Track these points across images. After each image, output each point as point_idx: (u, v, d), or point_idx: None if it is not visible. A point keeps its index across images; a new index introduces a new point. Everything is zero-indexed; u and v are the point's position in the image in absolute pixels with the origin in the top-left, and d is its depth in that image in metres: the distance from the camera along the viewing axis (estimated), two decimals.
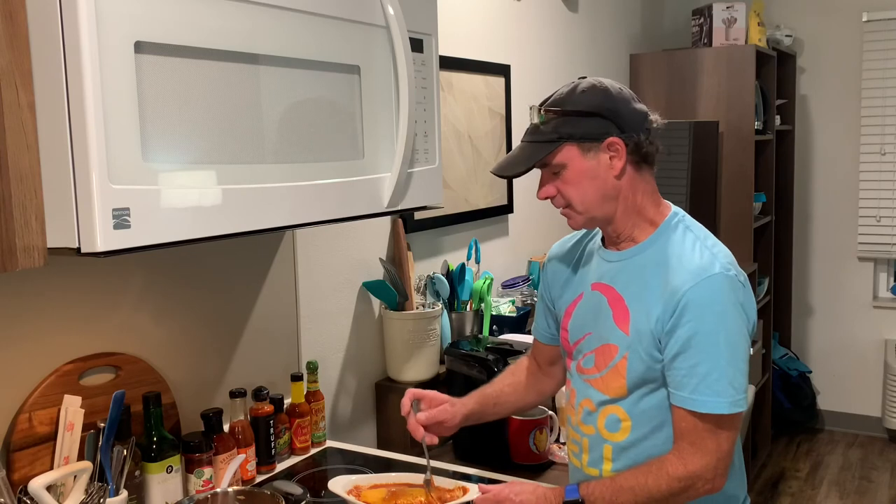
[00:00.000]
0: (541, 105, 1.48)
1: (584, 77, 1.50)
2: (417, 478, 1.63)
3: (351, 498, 1.55)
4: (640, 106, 1.49)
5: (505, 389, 1.76)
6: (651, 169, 1.51)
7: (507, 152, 3.03)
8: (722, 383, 1.37)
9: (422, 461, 1.97)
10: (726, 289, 1.40)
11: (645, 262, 1.48)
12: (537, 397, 1.78)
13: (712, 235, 1.51)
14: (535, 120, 1.47)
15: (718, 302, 1.39)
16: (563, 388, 2.21)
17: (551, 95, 1.49)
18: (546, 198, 1.51)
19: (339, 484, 1.59)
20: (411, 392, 1.67)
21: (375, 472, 1.80)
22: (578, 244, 1.65)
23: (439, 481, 1.61)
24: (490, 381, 1.80)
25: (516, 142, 3.09)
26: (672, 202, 1.57)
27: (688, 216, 1.54)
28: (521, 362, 1.82)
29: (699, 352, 1.37)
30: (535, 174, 1.51)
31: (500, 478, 1.82)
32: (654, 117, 1.50)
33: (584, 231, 1.66)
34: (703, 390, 1.37)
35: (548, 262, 1.71)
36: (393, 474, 1.67)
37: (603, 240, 1.58)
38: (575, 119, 1.44)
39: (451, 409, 1.66)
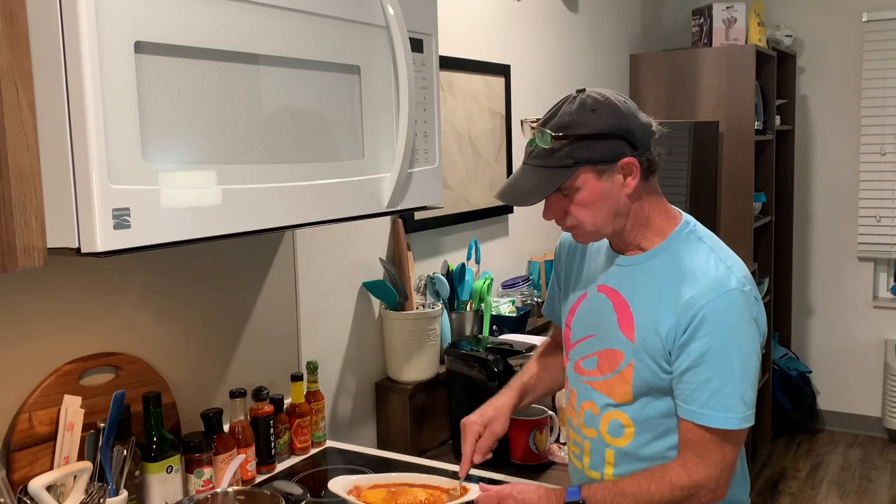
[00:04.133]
0: (545, 125, 1.41)
1: (583, 90, 1.44)
2: (417, 478, 1.63)
3: (351, 498, 1.55)
4: (645, 117, 1.46)
5: (541, 373, 1.76)
6: (656, 176, 1.49)
7: (507, 151, 3.03)
8: (733, 399, 1.37)
9: (421, 461, 1.97)
10: (742, 305, 1.39)
11: (654, 270, 1.47)
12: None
13: (726, 247, 1.49)
14: (543, 144, 1.40)
15: (734, 318, 1.38)
16: (564, 389, 2.21)
17: (554, 114, 1.42)
18: (553, 219, 1.48)
19: (338, 484, 1.59)
20: (469, 455, 1.62)
21: (375, 472, 1.79)
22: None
23: (437, 481, 1.62)
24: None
25: (517, 141, 3.10)
26: (672, 202, 1.55)
27: (699, 225, 1.52)
28: (549, 341, 1.81)
29: (712, 367, 1.37)
30: None
31: (500, 478, 1.82)
32: (656, 126, 1.47)
33: None
34: (713, 405, 1.37)
35: (560, 246, 1.69)
36: (393, 474, 1.67)
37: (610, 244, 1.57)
38: (589, 142, 1.39)
39: (498, 427, 1.64)
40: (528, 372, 1.77)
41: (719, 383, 1.37)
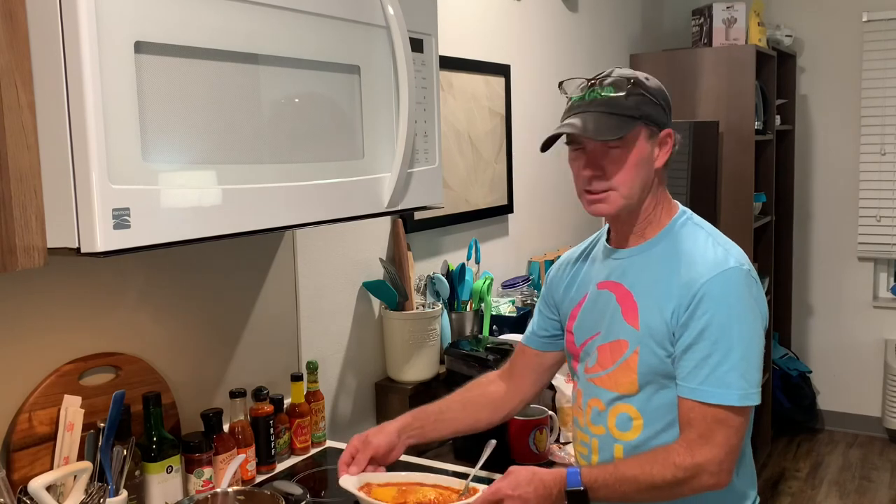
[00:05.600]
0: (628, 81, 1.44)
1: (620, 68, 1.51)
2: (428, 477, 1.63)
3: (361, 494, 1.55)
4: None
5: (452, 405, 1.73)
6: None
7: (507, 151, 3.03)
8: (733, 375, 1.36)
9: (422, 461, 1.97)
10: (742, 283, 1.40)
11: (655, 257, 1.48)
12: (492, 414, 1.74)
13: (721, 233, 1.51)
14: (612, 92, 1.43)
15: (733, 295, 1.39)
16: (566, 389, 2.21)
17: (609, 73, 1.46)
18: (591, 176, 1.45)
19: (350, 481, 1.59)
20: (342, 464, 1.62)
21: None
22: (584, 252, 1.66)
23: (448, 481, 1.62)
24: None
25: (517, 141, 3.10)
26: None
27: (695, 214, 1.55)
28: (483, 378, 1.79)
29: (712, 343, 1.37)
30: (550, 157, 1.50)
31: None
32: None
33: (590, 240, 1.66)
34: (713, 381, 1.37)
35: (552, 269, 1.72)
36: (404, 473, 1.66)
37: (608, 240, 1.58)
38: (652, 102, 1.45)
39: (374, 440, 1.63)
40: (439, 401, 1.75)
41: (719, 359, 1.37)
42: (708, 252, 1.43)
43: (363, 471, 1.61)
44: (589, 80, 1.47)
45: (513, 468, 1.47)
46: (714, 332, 1.37)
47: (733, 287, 1.39)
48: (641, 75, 1.48)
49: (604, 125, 1.41)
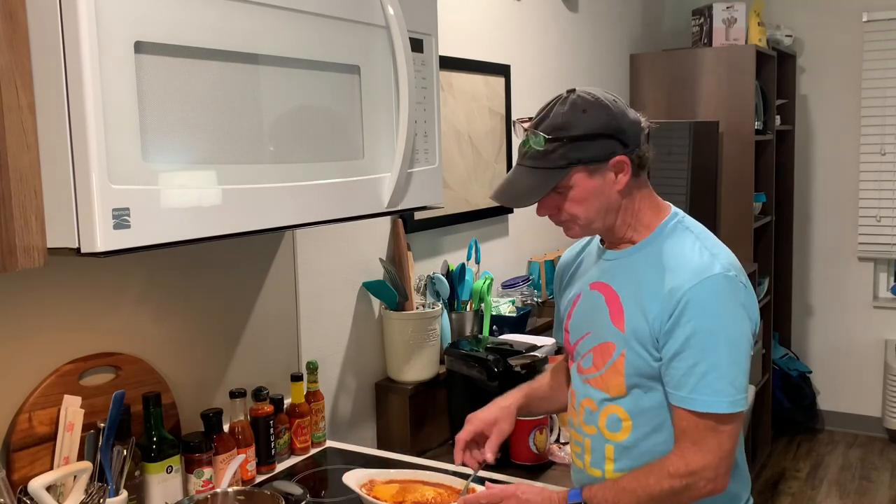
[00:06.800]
0: (537, 127, 1.43)
1: (573, 90, 1.46)
2: (432, 476, 1.64)
3: (362, 492, 1.55)
4: (634, 114, 1.47)
5: (555, 385, 1.77)
6: (646, 171, 1.51)
7: (507, 151, 3.03)
8: (721, 382, 1.37)
9: (422, 461, 1.97)
10: (726, 289, 1.39)
11: (641, 260, 1.48)
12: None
13: (713, 236, 1.50)
14: (537, 146, 1.42)
15: (718, 301, 1.38)
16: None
17: (546, 115, 1.44)
18: (547, 215, 1.51)
19: (352, 478, 1.59)
20: (462, 442, 1.62)
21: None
22: (583, 248, 1.67)
23: (450, 481, 1.62)
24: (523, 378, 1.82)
25: (517, 141, 3.09)
26: (672, 202, 1.57)
27: (688, 217, 1.54)
28: (560, 362, 1.81)
29: (698, 351, 1.37)
30: None
31: (500, 478, 1.82)
32: (645, 122, 1.49)
33: (587, 237, 1.66)
34: (702, 389, 1.37)
35: (557, 269, 1.72)
36: (409, 471, 1.68)
37: (602, 240, 1.58)
38: (582, 143, 1.41)
39: (506, 426, 1.64)
40: (539, 382, 1.79)
41: (706, 367, 1.37)
42: (694, 257, 1.43)
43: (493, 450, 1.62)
44: (526, 128, 1.46)
45: (522, 483, 1.54)
46: (700, 339, 1.37)
47: (718, 293, 1.38)
48: (579, 107, 1.41)
49: (526, 188, 1.45)
